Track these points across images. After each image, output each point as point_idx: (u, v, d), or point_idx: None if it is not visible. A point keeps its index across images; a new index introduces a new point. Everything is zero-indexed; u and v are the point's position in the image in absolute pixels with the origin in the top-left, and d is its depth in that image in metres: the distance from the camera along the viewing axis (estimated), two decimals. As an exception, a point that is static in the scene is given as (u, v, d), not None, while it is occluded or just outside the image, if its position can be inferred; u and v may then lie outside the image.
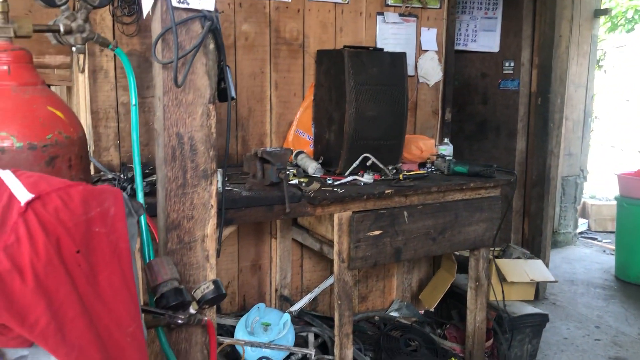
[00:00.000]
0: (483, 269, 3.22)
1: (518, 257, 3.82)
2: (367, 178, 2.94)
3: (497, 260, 3.59)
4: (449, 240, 3.01)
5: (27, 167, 1.19)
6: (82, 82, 2.80)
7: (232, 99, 1.73)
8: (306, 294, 3.50)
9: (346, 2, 3.39)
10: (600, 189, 7.54)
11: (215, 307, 1.66)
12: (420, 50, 3.69)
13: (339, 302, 2.82)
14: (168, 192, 1.56)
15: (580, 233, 6.30)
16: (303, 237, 3.23)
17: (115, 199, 1.11)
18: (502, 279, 3.51)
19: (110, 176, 2.69)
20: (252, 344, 2.87)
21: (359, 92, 3.03)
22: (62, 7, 1.44)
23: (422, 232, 2.92)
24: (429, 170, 3.26)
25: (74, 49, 1.52)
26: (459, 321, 3.61)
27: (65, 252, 0.99)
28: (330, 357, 3.00)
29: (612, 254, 5.59)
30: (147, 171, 2.61)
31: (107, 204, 1.08)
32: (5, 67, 1.33)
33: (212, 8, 1.47)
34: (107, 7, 2.67)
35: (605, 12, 5.63)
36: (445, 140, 3.58)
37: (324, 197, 2.62)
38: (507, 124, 4.57)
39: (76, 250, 1.01)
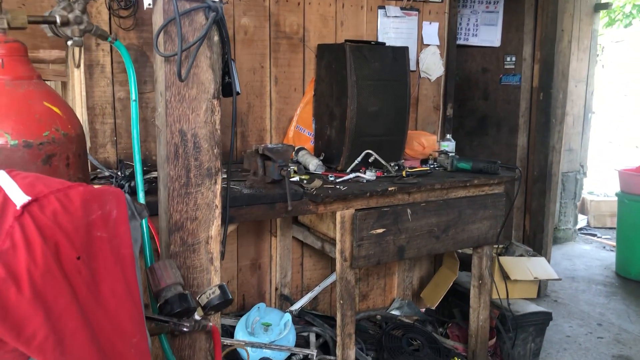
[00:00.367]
0: (486, 267, 3.17)
1: (521, 255, 3.77)
2: (369, 175, 2.88)
3: (500, 258, 3.54)
4: (453, 238, 2.96)
5: (22, 166, 1.12)
6: (77, 77, 2.72)
7: (237, 93, 1.66)
8: (306, 293, 3.44)
9: (347, -5, 3.33)
10: (598, 185, 7.52)
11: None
12: (421, 45, 3.63)
13: (341, 301, 2.77)
14: (171, 192, 1.49)
15: (580, 229, 6.27)
16: (304, 235, 3.17)
17: (117, 201, 1.04)
18: (505, 276, 3.46)
19: (107, 173, 2.62)
20: (252, 345, 2.81)
21: (360, 87, 2.97)
22: (59, -2, 1.38)
23: (425, 230, 2.86)
24: (432, 166, 3.20)
25: (69, 42, 1.46)
26: (461, 319, 3.56)
27: (64, 258, 0.93)
28: (332, 357, 2.95)
29: (612, 250, 5.56)
30: (145, 168, 2.54)
31: (108, 207, 1.01)
32: (-2, 60, 1.26)
33: (216, -2, 1.40)
34: (104, -1, 2.60)
35: (606, 6, 5.58)
36: (448, 136, 3.53)
37: (327, 195, 2.56)
38: (508, 120, 4.52)
39: (76, 257, 0.94)
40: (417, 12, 3.56)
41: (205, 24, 1.41)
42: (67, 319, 0.91)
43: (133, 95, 1.55)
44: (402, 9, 3.50)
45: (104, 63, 2.73)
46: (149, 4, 1.46)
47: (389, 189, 2.72)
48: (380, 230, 2.73)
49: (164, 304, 1.34)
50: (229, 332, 3.00)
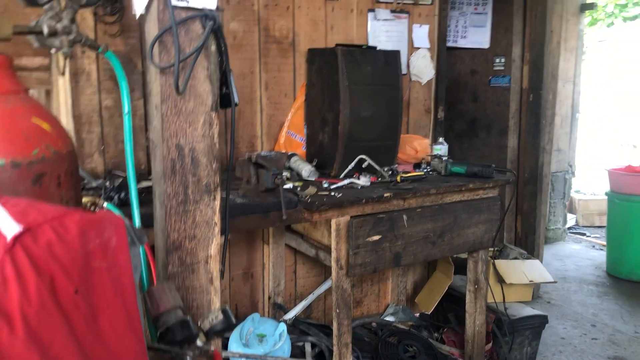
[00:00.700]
0: (482, 271, 3.14)
1: (515, 258, 3.75)
2: (363, 181, 2.83)
3: (495, 261, 3.52)
4: (449, 243, 2.92)
5: (10, 188, 1.05)
6: (62, 85, 2.64)
7: (236, 104, 1.60)
8: (300, 301, 3.38)
9: (337, -2, 3.28)
10: (585, 183, 7.54)
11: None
12: (412, 48, 3.59)
13: (337, 310, 2.71)
14: (168, 210, 1.42)
15: (569, 228, 6.28)
16: (297, 242, 3.11)
17: (116, 228, 0.97)
18: (501, 280, 3.44)
19: (94, 184, 2.54)
20: (247, 356, 2.75)
21: (353, 92, 2.92)
22: (46, 7, 1.30)
23: (421, 235, 2.82)
24: (425, 170, 3.16)
25: (54, 51, 1.38)
26: (457, 324, 3.53)
27: (61, 293, 0.86)
28: (329, 367, 2.89)
29: (602, 250, 5.58)
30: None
31: (107, 234, 0.95)
32: (-19, 74, 1.18)
33: (214, 6, 1.34)
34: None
35: (592, 6, 5.60)
36: (440, 139, 3.49)
37: (322, 203, 2.51)
38: (498, 122, 4.50)
39: (74, 290, 0.88)
40: (407, 15, 3.52)
41: (202, 34, 1.35)
42: (65, 359, 0.84)
43: (126, 108, 1.47)
44: (392, 11, 3.46)
45: (89, 70, 2.65)
46: (141, 12, 1.39)
47: (385, 195, 2.68)
48: (376, 237, 2.68)
49: (165, 332, 1.27)
50: (223, 343, 2.93)
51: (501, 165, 4.37)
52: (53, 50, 1.38)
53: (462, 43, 4.40)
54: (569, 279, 4.86)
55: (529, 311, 3.40)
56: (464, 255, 3.23)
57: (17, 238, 0.84)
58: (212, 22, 1.33)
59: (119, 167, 2.77)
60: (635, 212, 4.67)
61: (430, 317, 3.68)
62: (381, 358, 3.07)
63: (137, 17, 1.41)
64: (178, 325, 1.25)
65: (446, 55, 3.88)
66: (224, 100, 1.54)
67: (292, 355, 2.89)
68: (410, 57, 3.59)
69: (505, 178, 3.11)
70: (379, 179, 2.90)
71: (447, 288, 3.48)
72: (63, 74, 2.58)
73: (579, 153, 6.14)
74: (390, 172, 3.00)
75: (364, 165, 2.97)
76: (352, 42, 3.33)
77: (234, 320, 1.43)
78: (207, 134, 1.43)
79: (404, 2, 3.49)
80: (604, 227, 6.38)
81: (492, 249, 3.67)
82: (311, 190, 2.65)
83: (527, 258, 3.77)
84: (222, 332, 1.43)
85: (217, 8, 1.37)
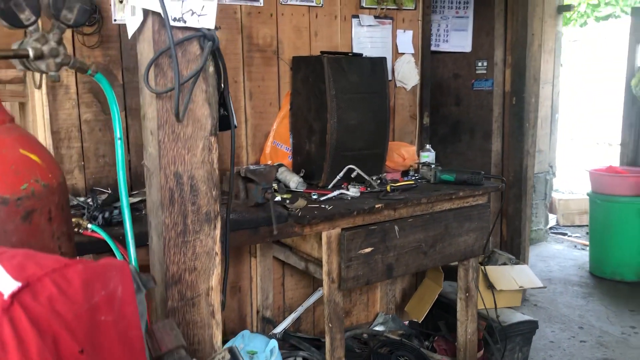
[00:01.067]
0: (473, 279, 3.11)
1: (504, 263, 3.74)
2: (353, 191, 2.78)
3: (485, 267, 3.49)
4: (440, 252, 2.89)
5: (-2, 226, 0.97)
6: (39, 98, 2.53)
7: (235, 127, 1.53)
8: (289, 314, 3.32)
9: (320, 4, 3.22)
10: (563, 183, 7.61)
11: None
12: (396, 54, 3.55)
13: (330, 324, 2.65)
14: (166, 242, 1.34)
15: (550, 228, 6.32)
16: (286, 255, 3.04)
17: (122, 276, 0.90)
18: (491, 286, 3.41)
19: (75, 202, 2.44)
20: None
21: (340, 100, 2.87)
22: (31, 28, 1.21)
23: (413, 246, 2.78)
24: (414, 178, 3.13)
25: (41, 75, 1.29)
26: (447, 332, 3.50)
27: (64, 353, 0.78)
28: (322, 382, 2.83)
29: (584, 249, 5.62)
30: (116, 196, 2.36)
31: (113, 284, 0.87)
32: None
33: (212, 26, 1.26)
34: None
35: (569, 8, 5.64)
36: (427, 146, 3.46)
37: (313, 216, 2.45)
38: (481, 125, 4.49)
39: (79, 350, 0.80)
40: (391, 21, 3.48)
41: (199, 54, 1.27)
42: None
43: (118, 133, 1.38)
44: (376, 17, 3.42)
45: (68, 84, 2.55)
46: (133, 32, 1.31)
47: (376, 206, 2.63)
48: (368, 250, 2.63)
49: (170, 376, 1.19)
50: (212, 361, 2.85)
51: (485, 169, 4.35)
52: (37, 78, 1.29)
53: (444, 47, 4.37)
54: (554, 280, 4.88)
55: (519, 317, 3.38)
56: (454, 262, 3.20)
57: (14, 295, 0.75)
58: (210, 43, 1.26)
59: (100, 183, 2.67)
60: (616, 212, 4.71)
61: (420, 325, 3.64)
62: (374, 370, 3.02)
63: (130, 37, 1.33)
64: (183, 368, 1.18)
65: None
66: (222, 123, 1.47)
67: (283, 371, 2.83)
68: (394, 63, 3.55)
69: (494, 185, 3.08)
70: (369, 189, 2.86)
71: (437, 296, 3.45)
72: (39, 87, 2.47)
73: (558, 153, 6.18)
74: (379, 182, 2.95)
75: (352, 175, 2.92)
76: (336, 49, 3.28)
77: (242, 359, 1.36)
78: (207, 160, 1.35)
79: (388, 7, 3.45)
80: (584, 226, 6.45)
81: (484, 255, 3.65)
82: (301, 202, 2.59)
83: (516, 263, 3.76)
84: (231, 374, 1.35)
85: (216, 27, 1.30)
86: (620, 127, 5.26)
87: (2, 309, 0.74)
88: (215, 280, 1.42)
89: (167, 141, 1.31)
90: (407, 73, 3.60)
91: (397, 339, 3.35)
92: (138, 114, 1.69)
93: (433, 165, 3.11)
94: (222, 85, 1.38)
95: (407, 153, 3.29)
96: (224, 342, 2.93)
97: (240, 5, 2.97)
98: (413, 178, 3.13)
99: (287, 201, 2.62)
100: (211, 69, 1.33)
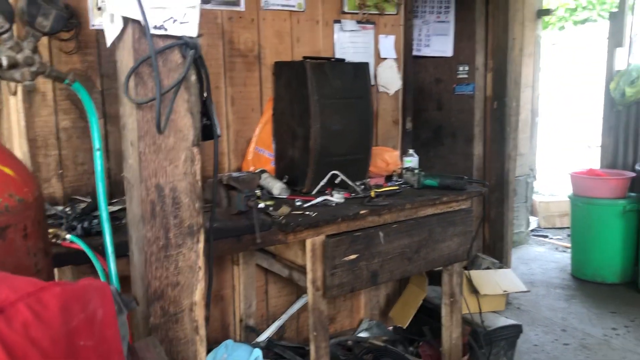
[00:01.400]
0: (457, 284, 3.10)
1: (488, 267, 3.74)
2: (337, 197, 2.75)
3: (469, 272, 3.49)
4: (425, 258, 2.87)
5: (-31, 244, 0.92)
6: (14, 105, 2.47)
7: (218, 136, 1.49)
8: (273, 322, 3.28)
9: (302, 9, 3.20)
10: (543, 185, 7.67)
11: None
12: (378, 59, 3.54)
13: (314, 333, 2.62)
14: (148, 257, 1.30)
15: (532, 231, 6.36)
16: (269, 262, 3.01)
17: (102, 298, 0.86)
18: (475, 291, 3.41)
19: (53, 212, 2.38)
20: (222, 386, 2.63)
21: (323, 105, 2.85)
22: (4, 36, 1.16)
23: (397, 252, 2.76)
24: (398, 184, 3.11)
25: (15, 85, 1.24)
26: (432, 337, 3.48)
27: (41, 382, 0.74)
28: (307, 391, 2.80)
29: (565, 251, 5.66)
30: (94, 205, 2.31)
31: (92, 306, 0.83)
32: None
33: (194, 33, 1.23)
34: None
35: (548, 12, 5.70)
36: (410, 151, 3.45)
37: (297, 223, 2.42)
38: (463, 129, 4.50)
39: (56, 378, 0.76)
40: (373, 26, 3.47)
41: (181, 63, 1.23)
42: None
43: (97, 144, 1.34)
44: (358, 22, 3.40)
45: (44, 90, 2.49)
46: (112, 40, 1.27)
47: (361, 212, 2.61)
48: (353, 257, 2.60)
49: (154, 399, 1.15)
50: (195, 372, 2.80)
51: (468, 173, 4.36)
52: (12, 84, 1.25)
53: (425, 52, 4.38)
54: (536, 283, 4.90)
55: (503, 321, 3.38)
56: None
57: (-15, 322, 0.71)
58: (193, 51, 1.23)
59: (78, 191, 2.61)
60: (597, 214, 4.75)
61: (404, 330, 3.62)
62: (359, 377, 3.00)
63: (108, 45, 1.29)
64: (167, 391, 1.14)
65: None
66: (205, 132, 1.43)
67: (268, 381, 2.79)
68: (377, 68, 3.54)
69: (477, 189, 3.08)
70: (353, 195, 2.83)
71: (421, 301, 3.44)
72: (14, 94, 2.41)
73: (538, 156, 6.23)
74: (363, 187, 2.93)
75: (336, 181, 2.90)
76: (319, 54, 3.25)
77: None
78: (189, 172, 1.31)
79: (370, 12, 3.44)
80: (565, 228, 6.51)
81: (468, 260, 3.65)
82: (285, 209, 2.56)
83: (499, 267, 3.77)
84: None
85: (198, 35, 1.26)
86: (600, 130, 5.31)
87: (-28, 337, 0.70)
88: (198, 294, 1.38)
89: (148, 153, 1.27)
90: (389, 78, 3.59)
91: (382, 345, 3.33)
92: (117, 121, 1.65)
93: (416, 171, 3.10)
94: (205, 93, 1.34)
95: (390, 158, 3.28)
96: (207, 351, 2.89)
97: (222, 10, 2.94)
98: (397, 183, 3.12)
99: (271, 208, 2.58)
100: (193, 77, 1.29)
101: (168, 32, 1.22)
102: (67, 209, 2.33)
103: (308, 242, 2.53)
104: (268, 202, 2.69)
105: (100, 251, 1.73)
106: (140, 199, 1.27)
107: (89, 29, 2.55)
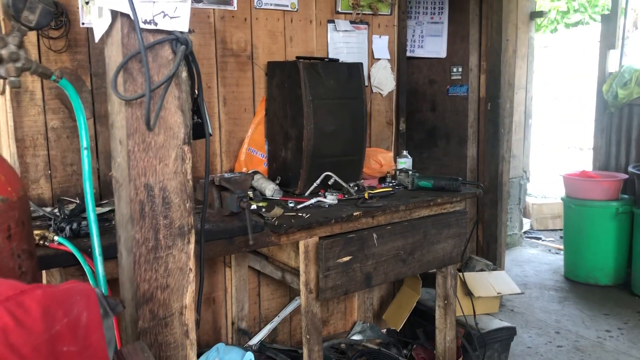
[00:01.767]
0: (452, 286, 3.08)
1: (482, 270, 3.72)
2: (330, 199, 2.72)
3: (463, 274, 3.47)
4: (419, 260, 2.85)
5: (-51, 245, 0.88)
6: (2, 104, 2.43)
7: (210, 135, 1.45)
8: (265, 325, 3.25)
9: (295, 9, 3.17)
10: (536, 187, 7.67)
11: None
12: (372, 59, 3.52)
13: (307, 336, 2.59)
14: (137, 259, 1.26)
15: (525, 233, 6.36)
16: (261, 264, 2.97)
17: (87, 301, 0.82)
18: (469, 293, 3.39)
19: (41, 213, 2.33)
20: (213, 390, 2.59)
21: (316, 106, 2.82)
22: (-13, 30, 1.12)
23: (391, 254, 2.73)
24: (392, 185, 3.09)
25: (2, 82, 1.21)
26: (425, 340, 3.46)
27: (21, 392, 0.71)
28: (300, 395, 2.76)
29: (558, 253, 5.66)
30: (82, 206, 2.27)
31: (76, 310, 0.79)
32: None
33: (185, 28, 1.19)
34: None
35: (541, 14, 5.70)
36: (404, 152, 3.42)
37: (290, 225, 2.39)
38: (457, 131, 4.49)
39: (37, 386, 0.73)
40: (366, 26, 3.45)
41: (172, 59, 1.20)
42: None
43: (84, 142, 1.30)
44: (351, 22, 3.38)
45: (33, 89, 2.44)
46: (100, 35, 1.23)
47: (354, 214, 2.58)
48: (346, 259, 2.57)
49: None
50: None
51: (461, 174, 4.35)
52: (0, 82, 1.21)
53: (419, 53, 4.36)
54: (529, 285, 4.89)
55: (497, 323, 3.37)
56: (432, 269, 3.16)
57: (-38, 327, 0.68)
58: (184, 47, 1.19)
59: (67, 192, 2.57)
60: (590, 216, 4.75)
61: (398, 333, 3.60)
62: (352, 381, 2.97)
63: (97, 40, 1.25)
64: (156, 398, 1.11)
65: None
66: (196, 131, 1.39)
67: (260, 385, 2.75)
68: (370, 69, 3.51)
69: (472, 191, 3.06)
70: (346, 196, 2.81)
71: (415, 304, 3.41)
72: (3, 93, 2.37)
73: (531, 158, 6.23)
74: (356, 189, 2.91)
75: (330, 182, 2.87)
76: (312, 54, 3.23)
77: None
78: (180, 171, 1.28)
79: (363, 12, 3.41)
80: (557, 230, 6.51)
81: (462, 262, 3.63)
82: (277, 211, 2.52)
83: (493, 269, 3.75)
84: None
85: (189, 30, 1.22)
86: (593, 132, 5.32)
87: (-52, 343, 0.67)
88: (189, 297, 1.34)
89: (137, 151, 1.23)
90: (383, 79, 3.56)
91: (375, 348, 3.31)
92: (107, 121, 1.62)
93: (410, 172, 3.08)
94: (196, 91, 1.31)
95: (384, 159, 3.25)
96: (198, 355, 2.85)
97: (214, 9, 2.90)
98: (390, 185, 3.09)
99: (263, 210, 2.55)
100: (184, 74, 1.26)
101: (158, 27, 1.18)
102: (56, 210, 2.29)
103: (301, 244, 2.49)
104: (261, 204, 2.65)
105: (89, 253, 1.69)
106: (129, 198, 1.23)
107: (79, 27, 2.51)
